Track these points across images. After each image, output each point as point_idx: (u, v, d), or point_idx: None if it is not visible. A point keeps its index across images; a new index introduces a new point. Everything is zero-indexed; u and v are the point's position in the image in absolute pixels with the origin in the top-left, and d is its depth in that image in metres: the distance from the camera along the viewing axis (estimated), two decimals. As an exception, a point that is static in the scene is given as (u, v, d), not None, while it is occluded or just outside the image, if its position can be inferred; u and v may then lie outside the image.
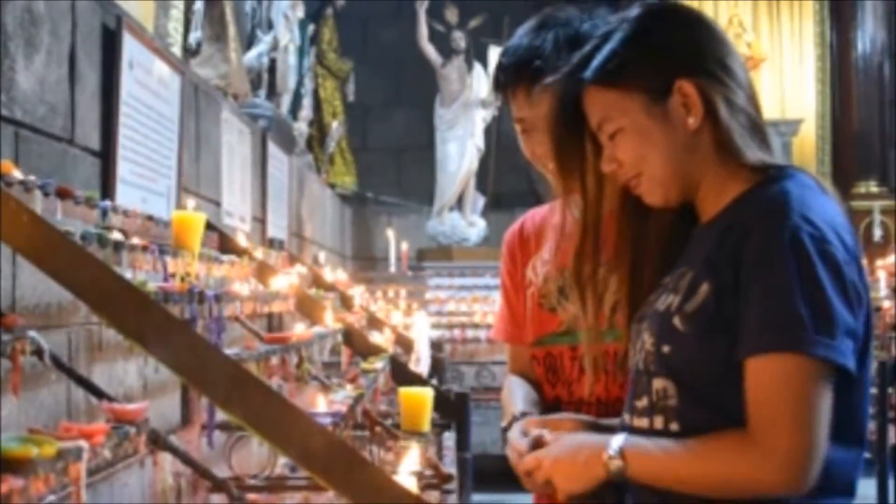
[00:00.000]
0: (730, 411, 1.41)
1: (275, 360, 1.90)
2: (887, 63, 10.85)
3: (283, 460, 3.31)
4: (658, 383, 1.48)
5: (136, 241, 1.88)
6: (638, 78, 1.51)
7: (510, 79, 1.88)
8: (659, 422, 1.47)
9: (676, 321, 1.45)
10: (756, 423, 1.37)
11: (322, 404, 1.93)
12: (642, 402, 1.50)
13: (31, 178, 1.70)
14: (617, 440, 1.46)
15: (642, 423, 1.50)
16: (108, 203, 1.97)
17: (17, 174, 1.67)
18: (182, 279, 2.04)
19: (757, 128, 1.53)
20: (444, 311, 8.59)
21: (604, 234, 1.92)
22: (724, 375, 1.41)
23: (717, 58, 1.52)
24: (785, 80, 10.90)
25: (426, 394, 2.23)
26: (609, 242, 1.85)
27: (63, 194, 1.76)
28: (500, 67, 1.91)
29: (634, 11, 1.58)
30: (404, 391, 2.22)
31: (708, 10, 10.64)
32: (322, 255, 7.31)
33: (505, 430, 1.78)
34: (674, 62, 1.51)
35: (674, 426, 1.45)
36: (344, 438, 1.54)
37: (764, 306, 1.37)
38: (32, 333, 1.33)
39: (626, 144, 1.52)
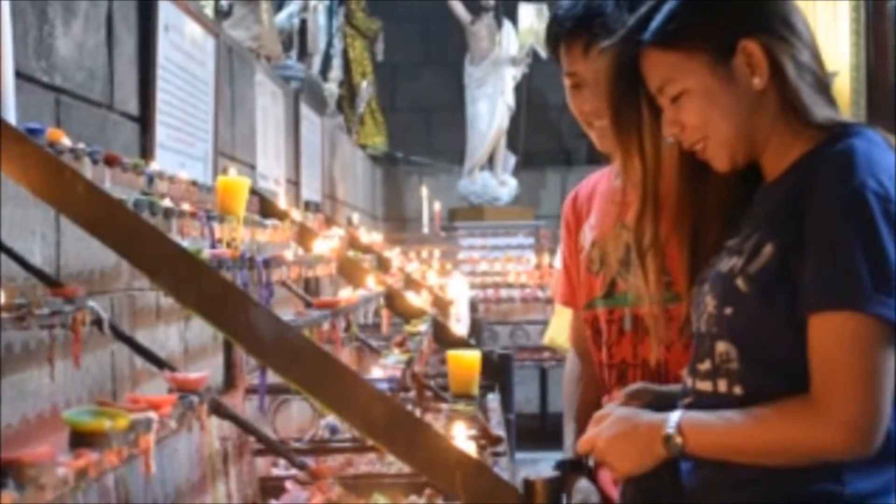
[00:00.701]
0: (792, 374, 1.39)
1: (326, 326, 1.89)
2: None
3: (322, 422, 3.34)
4: (721, 346, 1.45)
5: (185, 207, 1.86)
6: (701, 39, 1.48)
7: (566, 32, 1.86)
8: (723, 385, 1.45)
9: (739, 282, 1.42)
10: (819, 386, 1.36)
11: (377, 370, 1.92)
12: (705, 366, 1.48)
13: (81, 145, 1.68)
14: (674, 416, 1.43)
15: (706, 385, 1.48)
16: (153, 169, 1.95)
17: (67, 142, 1.65)
18: (228, 244, 2.03)
19: (822, 85, 1.50)
20: (478, 270, 8.58)
21: (663, 198, 1.89)
22: (787, 336, 1.39)
23: (781, 15, 1.48)
24: (819, 32, 10.70)
25: (475, 357, 2.22)
26: (668, 207, 1.83)
27: (111, 161, 1.75)
28: (557, 20, 1.88)
29: None
30: (453, 354, 2.20)
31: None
32: (355, 217, 7.30)
33: (560, 469, 1.68)
34: (737, 21, 1.47)
35: (737, 390, 1.43)
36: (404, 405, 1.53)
37: (824, 263, 1.35)
38: (92, 303, 1.32)
39: (692, 107, 1.48)
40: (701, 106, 1.47)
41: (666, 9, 1.51)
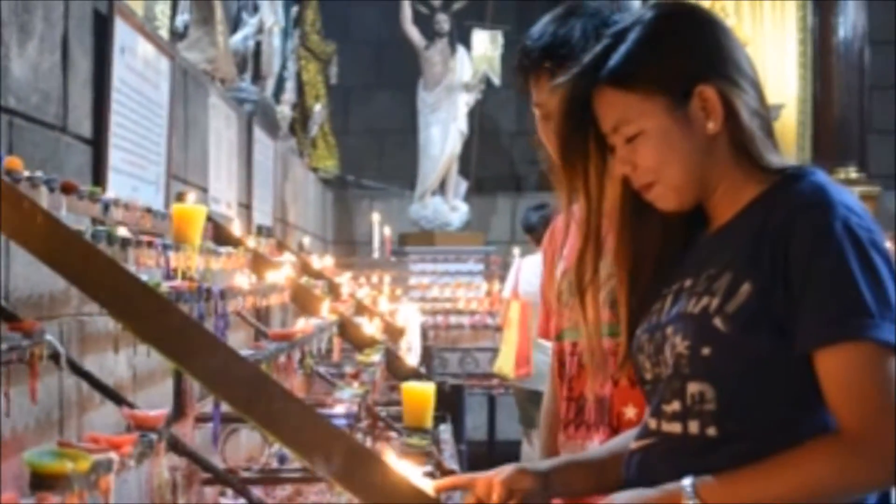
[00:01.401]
0: (770, 413, 1.39)
1: (282, 358, 1.87)
2: (868, 49, 10.89)
3: (269, 450, 3.30)
4: (693, 387, 1.44)
5: (141, 237, 1.84)
6: (659, 82, 1.49)
7: (534, 63, 1.87)
8: (694, 426, 1.44)
9: (717, 322, 1.42)
10: (849, 420, 1.35)
11: (338, 407, 1.91)
12: (672, 407, 1.47)
13: (38, 174, 1.66)
14: (687, 484, 1.39)
15: (674, 427, 1.47)
16: (109, 197, 1.93)
17: (24, 171, 1.63)
18: (183, 274, 2.01)
19: (769, 129, 1.52)
20: (428, 296, 8.57)
21: (604, 235, 1.91)
22: (767, 375, 1.40)
23: (733, 59, 1.50)
24: (766, 64, 10.90)
25: (429, 390, 2.21)
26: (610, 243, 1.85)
27: (67, 189, 1.73)
28: (525, 51, 1.89)
29: (649, 12, 1.56)
30: (408, 388, 2.19)
31: (691, -5, 10.64)
32: (306, 241, 7.27)
33: None
34: (694, 66, 1.49)
35: (711, 431, 1.43)
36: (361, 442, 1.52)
37: (826, 297, 1.36)
38: (49, 337, 1.30)
39: (648, 149, 1.49)
40: (658, 148, 1.49)
41: (623, 49, 1.52)
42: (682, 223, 1.57)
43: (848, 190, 1.48)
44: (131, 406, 1.33)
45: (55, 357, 1.32)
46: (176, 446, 1.27)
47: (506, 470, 1.57)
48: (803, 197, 1.43)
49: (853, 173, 10.62)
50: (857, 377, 1.34)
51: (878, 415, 1.33)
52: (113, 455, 1.02)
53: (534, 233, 6.23)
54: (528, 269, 6.14)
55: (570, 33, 1.84)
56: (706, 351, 1.43)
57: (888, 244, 1.50)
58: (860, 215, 1.41)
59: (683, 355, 1.45)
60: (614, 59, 1.52)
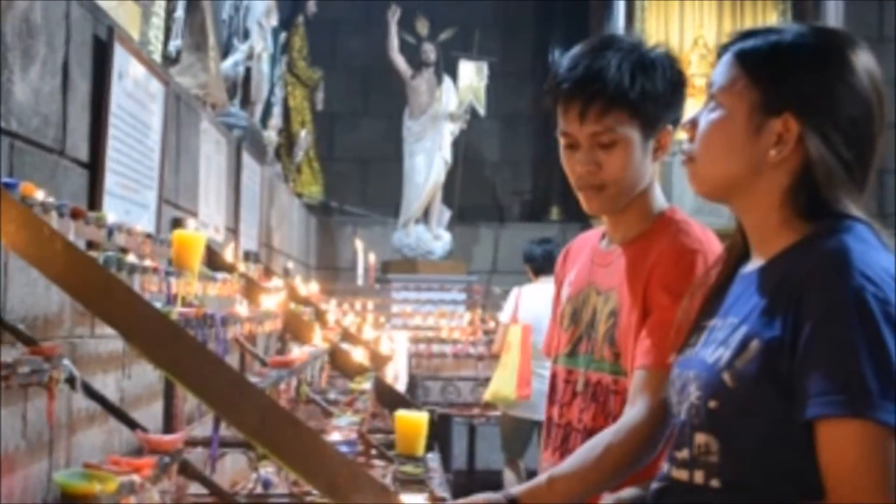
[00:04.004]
0: (773, 470, 1.40)
1: (283, 385, 1.89)
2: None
3: (255, 475, 3.31)
4: (700, 438, 1.46)
5: (146, 263, 1.86)
6: (770, 80, 1.48)
7: (565, 94, 1.88)
8: (699, 476, 1.46)
9: (726, 377, 1.43)
10: (833, 493, 1.35)
11: (335, 433, 1.93)
12: (683, 454, 1.49)
13: (51, 199, 1.68)
14: None
15: (682, 474, 1.49)
16: (113, 223, 1.95)
17: (39, 196, 1.65)
18: (183, 300, 2.03)
19: (854, 182, 1.48)
20: (411, 324, 8.58)
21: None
22: (771, 433, 1.40)
23: (844, 113, 1.46)
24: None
25: (422, 418, 2.23)
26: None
27: (76, 215, 1.75)
28: (557, 78, 1.90)
29: (814, 27, 1.54)
30: (400, 416, 2.21)
31: (673, 31, 10.77)
32: (290, 266, 7.28)
33: None
34: (803, 97, 1.47)
35: (714, 482, 1.44)
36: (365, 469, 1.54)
37: (829, 369, 1.34)
38: (66, 362, 1.32)
39: (712, 129, 1.51)
40: (718, 130, 1.50)
41: (775, 35, 1.51)
42: (736, 254, 1.58)
43: (881, 250, 1.44)
44: (145, 430, 1.35)
45: (70, 380, 1.34)
46: (186, 470, 1.29)
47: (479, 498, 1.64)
48: (824, 259, 1.41)
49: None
50: (851, 454, 1.34)
51: (868, 493, 1.33)
52: (136, 477, 1.04)
53: (533, 263, 6.39)
54: (527, 297, 6.31)
55: (605, 67, 1.85)
56: (713, 404, 1.44)
57: None
58: (879, 284, 1.37)
59: (695, 405, 1.47)
60: (758, 38, 1.52)
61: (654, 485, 1.56)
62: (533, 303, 6.17)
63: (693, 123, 1.54)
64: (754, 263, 1.54)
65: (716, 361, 1.46)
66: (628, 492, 1.67)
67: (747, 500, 1.42)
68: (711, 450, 1.45)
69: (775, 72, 1.49)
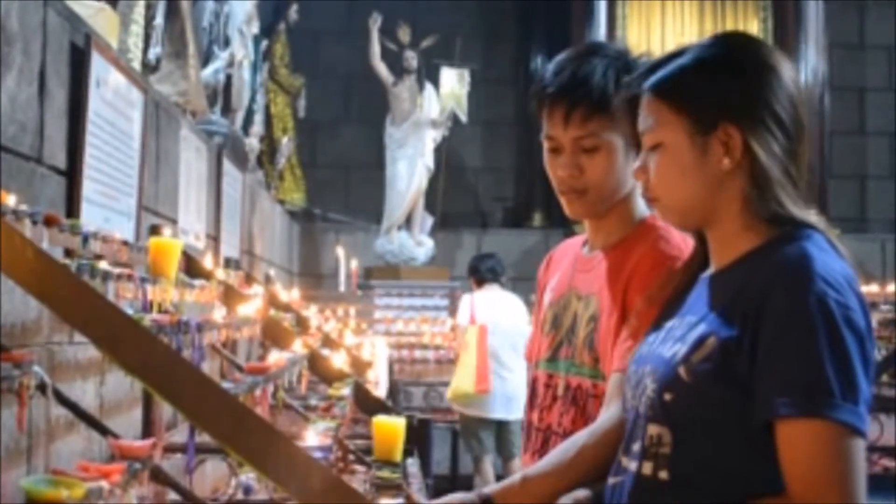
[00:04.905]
0: (722, 465, 1.42)
1: (258, 392, 1.90)
2: (827, 95, 11.09)
3: (235, 481, 3.31)
4: (653, 429, 1.49)
5: (121, 270, 1.87)
6: (691, 102, 1.51)
7: (549, 98, 1.90)
8: (648, 468, 1.48)
9: (682, 371, 1.46)
10: (799, 492, 1.37)
11: (311, 438, 1.94)
12: (636, 446, 1.52)
13: (23, 206, 1.68)
14: None
15: (632, 465, 1.51)
16: (88, 230, 1.96)
17: (11, 202, 1.65)
18: (159, 307, 2.03)
19: (796, 179, 1.53)
20: (393, 330, 8.59)
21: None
22: (723, 430, 1.43)
23: (772, 107, 1.50)
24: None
25: (400, 424, 2.24)
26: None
27: (50, 222, 1.75)
28: (543, 83, 1.92)
29: (714, 39, 1.58)
30: (379, 421, 2.22)
31: (655, 40, 10.83)
32: (272, 273, 7.27)
33: None
34: (728, 102, 1.50)
35: (663, 474, 1.47)
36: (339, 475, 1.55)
37: (791, 369, 1.37)
38: (37, 368, 1.32)
39: (660, 164, 1.53)
40: (667, 165, 1.52)
41: (676, 62, 1.55)
42: (698, 261, 1.60)
43: (837, 258, 1.47)
44: (116, 436, 1.36)
45: (41, 387, 1.35)
46: (158, 476, 1.30)
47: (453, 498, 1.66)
48: (786, 264, 1.44)
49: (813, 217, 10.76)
50: (811, 453, 1.36)
51: (826, 490, 1.36)
52: (104, 483, 1.05)
53: (477, 275, 6.97)
54: (480, 302, 6.83)
55: (590, 73, 1.87)
56: (668, 396, 1.47)
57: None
58: (839, 290, 1.40)
59: (650, 398, 1.50)
60: (664, 68, 1.55)
61: (610, 480, 1.58)
62: (485, 308, 6.73)
63: (643, 169, 1.56)
64: (714, 268, 1.57)
65: (672, 356, 1.49)
66: (583, 491, 1.69)
67: (695, 495, 1.44)
68: (664, 441, 1.47)
69: (693, 91, 1.52)
